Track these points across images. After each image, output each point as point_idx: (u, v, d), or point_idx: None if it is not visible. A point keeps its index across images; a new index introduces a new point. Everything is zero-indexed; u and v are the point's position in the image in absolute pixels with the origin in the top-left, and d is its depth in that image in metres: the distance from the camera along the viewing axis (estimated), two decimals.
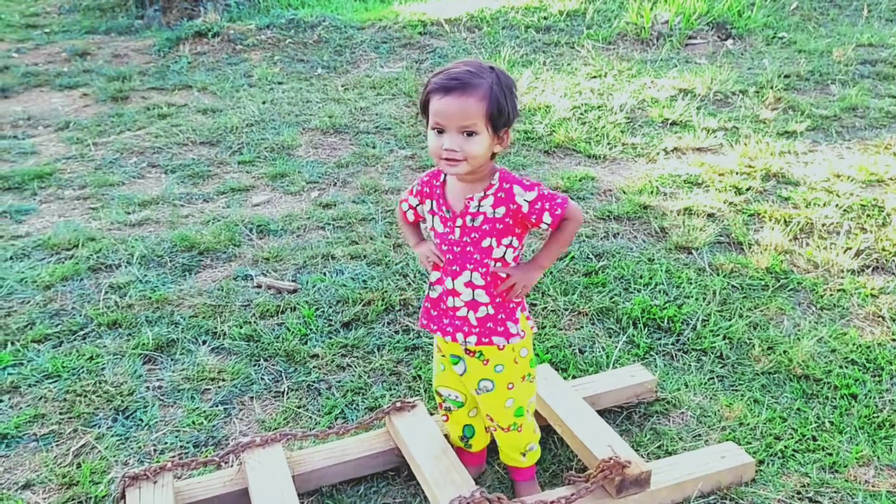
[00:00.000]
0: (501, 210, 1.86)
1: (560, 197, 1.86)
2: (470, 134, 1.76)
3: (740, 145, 4.67)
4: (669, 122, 5.16)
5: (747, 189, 4.10)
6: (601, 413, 2.50)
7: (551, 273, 3.30)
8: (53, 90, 6.33)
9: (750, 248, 3.50)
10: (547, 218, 1.85)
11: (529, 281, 1.93)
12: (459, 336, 1.95)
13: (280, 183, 4.38)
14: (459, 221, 1.89)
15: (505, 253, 1.91)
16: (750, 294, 3.17)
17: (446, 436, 2.24)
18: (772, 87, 5.63)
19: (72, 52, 7.17)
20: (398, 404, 2.33)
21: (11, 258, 3.54)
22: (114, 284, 3.27)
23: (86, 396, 2.60)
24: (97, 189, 4.37)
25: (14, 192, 4.35)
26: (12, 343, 2.87)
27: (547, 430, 2.38)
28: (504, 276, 1.91)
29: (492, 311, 1.93)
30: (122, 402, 2.58)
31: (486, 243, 1.89)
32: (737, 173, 4.29)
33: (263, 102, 5.72)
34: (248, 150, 4.84)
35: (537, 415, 2.36)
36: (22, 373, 2.71)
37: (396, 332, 2.95)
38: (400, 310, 3.07)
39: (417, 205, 2.03)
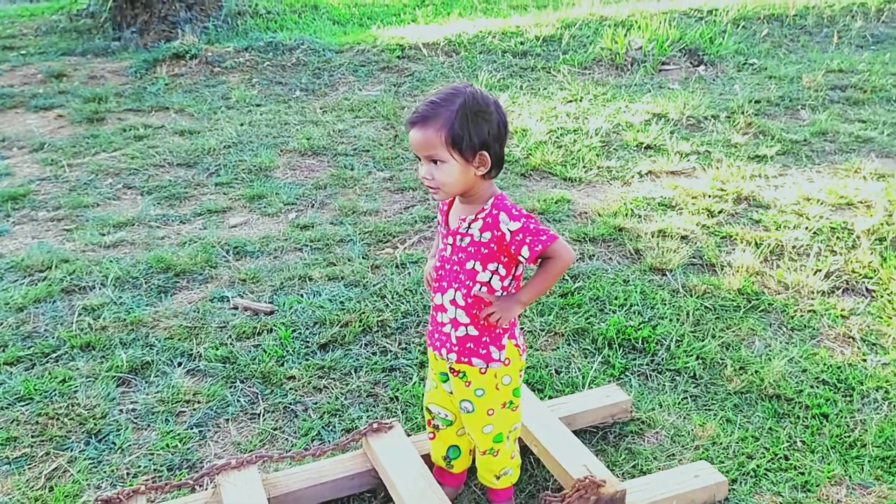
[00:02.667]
0: (487, 235, 1.89)
1: (547, 234, 1.85)
2: (436, 162, 1.84)
3: (712, 169, 4.74)
4: (644, 145, 5.23)
5: (719, 212, 4.16)
6: (577, 433, 2.51)
7: None
8: (29, 111, 6.29)
9: (722, 269, 3.56)
10: (525, 252, 1.85)
11: (507, 313, 1.92)
12: (443, 351, 2.00)
13: (257, 204, 4.38)
14: (450, 239, 1.96)
15: (491, 279, 1.92)
16: (722, 315, 3.21)
17: (425, 456, 2.24)
18: (743, 113, 5.73)
19: (48, 74, 7.14)
20: (375, 426, 2.33)
21: None
22: (87, 306, 3.25)
23: (58, 419, 2.57)
24: (71, 210, 4.34)
25: None
26: None
27: (524, 451, 2.39)
28: (488, 301, 1.93)
29: (474, 333, 1.95)
30: (95, 424, 2.55)
31: (469, 265, 1.92)
32: (709, 196, 4.36)
33: (241, 124, 5.73)
34: (225, 172, 4.84)
35: None
36: None
37: (374, 354, 2.95)
38: (377, 331, 3.07)
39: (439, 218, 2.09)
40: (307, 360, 2.91)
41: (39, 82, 7.00)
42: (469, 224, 1.91)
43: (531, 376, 2.81)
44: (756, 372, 2.81)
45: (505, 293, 1.94)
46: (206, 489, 2.20)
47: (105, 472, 2.36)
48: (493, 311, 1.92)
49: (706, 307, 3.26)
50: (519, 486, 2.31)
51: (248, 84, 6.77)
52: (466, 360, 1.96)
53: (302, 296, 3.34)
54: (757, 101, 6.03)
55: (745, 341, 3.04)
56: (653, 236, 3.89)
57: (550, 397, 2.69)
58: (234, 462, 2.18)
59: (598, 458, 2.42)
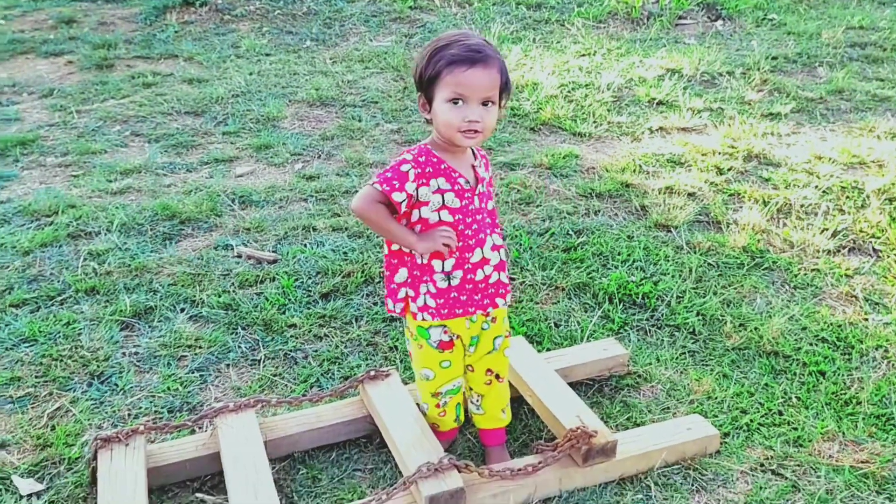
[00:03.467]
0: (490, 173, 2.04)
1: None
2: (489, 105, 1.83)
3: (724, 126, 4.68)
4: (656, 101, 5.16)
5: (729, 169, 4.12)
6: (573, 385, 2.53)
7: (530, 248, 3.32)
8: (39, 57, 6.27)
9: (728, 227, 3.53)
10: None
11: None
12: (500, 301, 2.03)
13: (264, 154, 4.37)
14: (478, 190, 1.95)
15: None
16: (725, 272, 3.20)
17: (419, 405, 2.26)
18: (758, 69, 5.64)
19: (58, 20, 7.09)
20: (372, 373, 2.36)
21: None
22: (93, 251, 3.27)
23: (62, 361, 2.61)
24: (79, 157, 4.35)
25: None
26: None
27: (520, 401, 2.41)
28: None
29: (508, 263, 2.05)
30: (98, 367, 2.59)
31: (492, 205, 2.02)
32: (719, 153, 4.31)
33: (250, 74, 5.69)
34: (233, 121, 4.83)
35: (510, 385, 2.40)
36: None
37: (375, 304, 2.97)
38: (379, 282, 3.08)
39: (414, 188, 1.87)
40: (308, 308, 2.93)
41: (50, 28, 6.96)
42: (481, 169, 1.99)
43: (530, 329, 2.83)
44: (755, 329, 2.81)
45: None
46: (205, 430, 2.23)
47: (106, 412, 2.40)
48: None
49: (709, 264, 3.25)
50: (513, 436, 2.34)
51: (259, 33, 6.71)
52: (510, 296, 2.07)
53: (305, 245, 3.35)
54: (774, 58, 5.92)
55: (747, 299, 3.03)
56: (660, 193, 3.86)
57: (549, 350, 2.71)
58: (233, 405, 2.22)
59: (593, 410, 2.44)
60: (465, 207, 1.93)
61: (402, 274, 2.00)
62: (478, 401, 2.19)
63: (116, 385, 2.52)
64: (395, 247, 1.98)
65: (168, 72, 5.82)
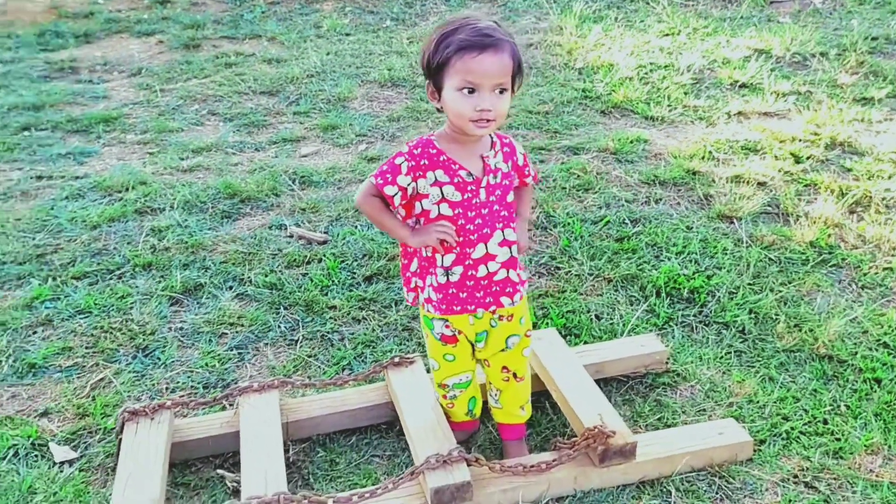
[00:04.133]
0: (509, 164, 1.94)
1: None
2: (502, 91, 1.77)
3: (810, 111, 4.42)
4: (738, 84, 4.93)
5: (807, 157, 3.89)
6: (607, 381, 2.47)
7: (581, 237, 3.24)
8: (132, 36, 6.54)
9: (797, 220, 3.34)
10: (532, 170, 2.04)
11: (526, 236, 2.07)
12: (505, 300, 1.95)
13: (330, 135, 4.43)
14: (484, 181, 1.87)
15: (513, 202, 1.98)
16: (787, 268, 3.03)
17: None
18: (855, 50, 5.28)
19: (153, 0, 7.37)
20: (396, 359, 2.36)
21: (67, 198, 3.71)
22: (155, 228, 3.40)
23: (111, 333, 2.73)
24: (157, 135, 4.52)
25: (81, 135, 4.55)
26: (53, 279, 3.03)
27: (546, 394, 2.36)
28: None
29: (521, 260, 2.00)
30: (144, 340, 2.70)
31: (509, 198, 1.94)
32: (799, 140, 4.07)
33: (327, 53, 5.77)
34: (304, 101, 4.90)
35: (536, 379, 2.36)
36: (57, 307, 2.86)
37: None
38: None
39: (409, 181, 1.84)
40: (350, 290, 2.95)
41: (145, 8, 7.25)
42: (494, 160, 1.89)
43: (570, 320, 2.76)
44: (810, 330, 2.65)
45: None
46: (231, 408, 2.29)
47: (146, 385, 2.50)
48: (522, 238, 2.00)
49: (770, 259, 3.08)
50: (536, 430, 2.30)
51: (341, 12, 6.78)
52: (520, 296, 1.98)
53: (356, 227, 3.37)
54: (874, 38, 5.54)
55: (807, 297, 2.86)
56: (727, 181, 3.68)
57: (585, 343, 2.64)
58: (257, 385, 2.26)
59: (625, 407, 2.38)
60: (466, 201, 1.86)
61: (414, 264, 1.98)
62: (496, 395, 2.15)
63: (158, 359, 2.62)
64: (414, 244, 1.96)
65: (250, 52, 5.97)
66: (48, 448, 2.24)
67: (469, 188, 1.86)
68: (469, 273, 1.91)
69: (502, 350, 2.05)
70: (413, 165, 1.84)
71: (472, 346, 2.06)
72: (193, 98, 5.06)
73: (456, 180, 1.85)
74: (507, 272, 1.94)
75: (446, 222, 1.86)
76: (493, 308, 1.96)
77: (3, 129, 4.57)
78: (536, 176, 2.07)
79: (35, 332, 2.75)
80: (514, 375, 2.10)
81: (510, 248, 1.93)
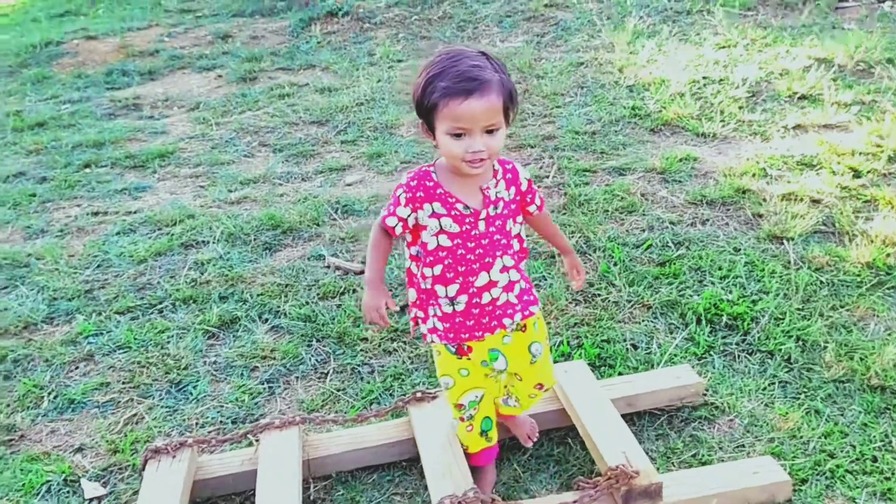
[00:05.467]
0: (512, 191, 1.90)
1: None
2: (492, 131, 1.74)
3: (872, 122, 4.21)
4: (797, 96, 4.74)
5: (867, 171, 3.70)
6: (640, 415, 2.38)
7: (621, 261, 3.14)
8: (193, 72, 6.75)
9: (853, 239, 3.16)
10: (537, 199, 1.97)
11: (579, 262, 2.14)
12: (507, 321, 1.94)
13: (375, 163, 4.45)
14: (483, 214, 1.84)
15: (520, 230, 1.95)
16: (839, 291, 2.87)
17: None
18: None
19: (215, 35, 7.61)
20: (418, 394, 2.32)
21: (119, 233, 3.83)
22: (198, 261, 3.46)
23: (148, 368, 2.78)
24: (209, 167, 4.63)
25: (138, 170, 4.70)
26: (98, 314, 3.12)
27: (574, 432, 2.28)
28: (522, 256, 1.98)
29: (524, 285, 1.96)
30: (178, 375, 2.73)
31: (508, 226, 1.91)
32: (860, 154, 3.88)
33: (378, 81, 5.82)
34: (352, 130, 4.95)
35: (563, 413, 2.29)
36: (99, 342, 2.94)
37: None
38: None
39: (408, 212, 1.84)
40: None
41: (207, 44, 7.48)
42: (495, 189, 1.86)
43: (605, 350, 2.67)
44: (862, 359, 2.50)
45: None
46: (252, 445, 2.29)
47: (176, 420, 2.53)
48: (574, 270, 2.11)
49: (822, 282, 2.92)
50: (563, 468, 2.22)
51: (394, 39, 6.84)
52: (528, 312, 1.96)
53: (393, 257, 3.36)
54: None
55: (860, 323, 2.70)
56: (780, 200, 3.53)
57: (620, 374, 2.54)
58: (278, 422, 2.26)
59: (657, 443, 2.29)
60: (465, 232, 1.83)
61: (412, 294, 1.96)
62: (515, 403, 2.15)
63: (190, 394, 2.65)
64: (406, 264, 1.95)
65: (304, 82, 6.07)
66: (79, 484, 2.29)
67: (467, 220, 1.83)
68: (474, 301, 1.89)
69: (531, 362, 2.02)
70: (410, 197, 1.83)
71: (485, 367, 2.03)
72: (246, 130, 5.17)
73: (453, 213, 1.82)
74: (507, 295, 1.92)
75: (381, 314, 1.87)
76: (497, 331, 1.93)
77: (66, 167, 4.75)
78: (542, 205, 1.99)
79: (77, 368, 2.83)
80: (541, 387, 2.10)
81: (509, 273, 1.90)
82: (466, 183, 1.83)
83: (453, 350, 1.99)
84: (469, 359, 2.01)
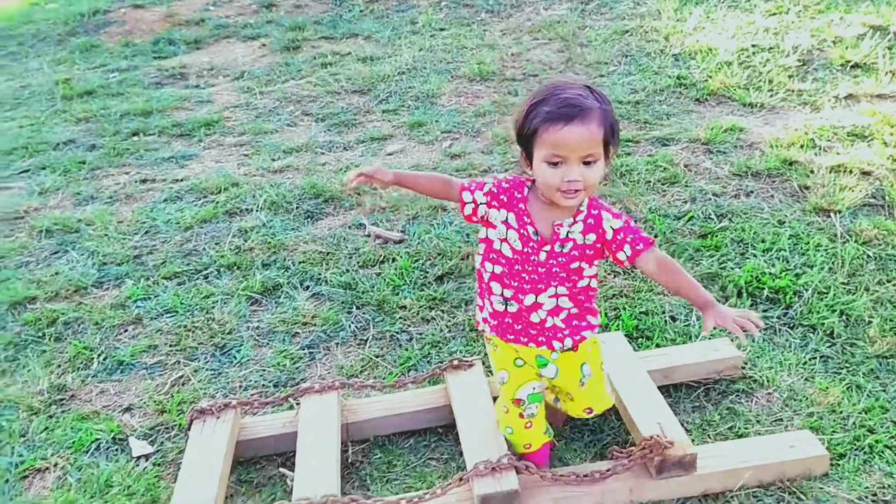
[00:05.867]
0: (592, 237, 1.84)
1: (648, 238, 1.84)
2: (590, 163, 1.73)
3: None
4: (850, 64, 4.60)
5: None
6: (677, 387, 2.37)
7: (663, 233, 3.12)
8: (238, 41, 6.79)
9: None
10: (627, 249, 1.82)
11: (727, 312, 1.82)
12: (556, 344, 1.93)
13: (416, 132, 4.45)
14: (547, 247, 1.85)
15: (595, 273, 1.90)
16: (886, 265, 2.81)
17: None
18: None
19: (260, 4, 7.62)
20: (455, 362, 2.35)
21: (166, 200, 3.91)
22: (242, 228, 3.53)
23: (194, 332, 2.85)
24: (253, 136, 4.68)
25: (184, 139, 4.77)
26: (146, 279, 3.20)
27: None
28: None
29: (574, 311, 1.92)
30: (223, 339, 2.80)
31: (575, 265, 1.86)
32: None
33: (420, 50, 5.80)
34: (394, 99, 4.95)
35: None
36: (147, 306, 3.02)
37: None
38: None
39: (484, 203, 1.87)
40: (422, 290, 2.96)
41: (252, 13, 7.50)
42: (568, 229, 1.84)
43: (643, 322, 2.66)
44: None
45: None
46: (293, 409, 2.35)
47: (221, 383, 2.60)
48: (732, 324, 1.78)
49: (869, 256, 2.87)
50: (597, 437, 2.25)
51: (437, 7, 6.79)
52: (579, 337, 1.93)
53: (433, 226, 3.38)
54: None
55: None
56: (829, 171, 3.45)
57: (658, 346, 2.54)
58: (318, 387, 2.31)
59: (694, 415, 2.29)
60: (525, 254, 1.85)
61: (476, 286, 1.98)
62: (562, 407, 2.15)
63: (234, 357, 2.71)
64: (476, 261, 1.96)
65: (347, 51, 6.07)
66: (127, 442, 2.37)
67: (531, 244, 1.84)
68: (523, 314, 1.91)
69: (580, 382, 2.00)
70: (495, 193, 1.86)
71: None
72: (289, 99, 5.21)
73: (522, 231, 1.84)
74: (554, 319, 1.90)
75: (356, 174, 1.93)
76: (543, 347, 1.94)
77: (115, 135, 4.85)
78: (636, 255, 1.81)
79: (125, 331, 2.91)
80: (591, 411, 2.08)
81: (558, 300, 1.89)
82: (545, 211, 1.83)
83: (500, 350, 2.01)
84: (521, 358, 2.01)
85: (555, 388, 2.09)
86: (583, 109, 1.69)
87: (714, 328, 1.80)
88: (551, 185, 1.73)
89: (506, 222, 1.86)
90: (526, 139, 1.76)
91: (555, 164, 1.72)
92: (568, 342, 1.92)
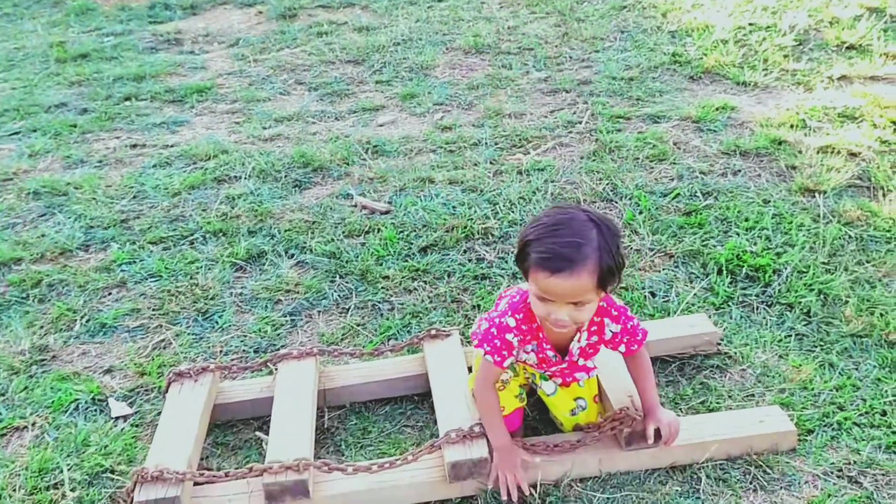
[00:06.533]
0: (595, 339, 1.97)
1: (642, 332, 1.96)
2: (578, 304, 1.75)
3: None
4: (845, 45, 4.58)
5: None
6: (653, 361, 2.37)
7: (648, 210, 3.13)
8: (235, 7, 6.74)
9: (887, 194, 3.10)
10: (622, 349, 1.97)
11: (664, 418, 1.96)
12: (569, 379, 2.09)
13: (408, 104, 4.44)
14: (565, 364, 1.99)
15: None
16: (867, 246, 2.83)
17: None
18: None
19: None
20: (433, 332, 2.37)
21: (155, 165, 3.91)
22: (230, 195, 3.53)
23: (177, 296, 2.87)
24: (245, 104, 4.66)
25: (176, 105, 4.76)
26: (132, 243, 3.21)
27: None
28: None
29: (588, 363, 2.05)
30: (205, 304, 2.82)
31: (589, 363, 2.02)
32: None
33: (416, 20, 5.76)
34: (387, 70, 4.93)
35: None
36: (132, 270, 3.03)
37: (469, 261, 2.95)
38: (479, 238, 3.06)
39: (513, 355, 1.95)
40: (405, 261, 2.97)
41: None
42: (579, 342, 1.95)
43: (623, 297, 2.68)
44: (882, 314, 2.47)
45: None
46: (272, 374, 2.37)
47: (202, 347, 2.62)
48: (665, 428, 1.94)
49: (850, 236, 2.88)
50: None
51: None
52: (572, 378, 2.06)
53: (419, 198, 3.38)
54: None
55: (885, 279, 2.66)
56: (816, 152, 3.45)
57: None
58: (296, 353, 2.33)
59: (667, 389, 2.32)
60: (551, 363, 2.00)
61: (483, 325, 2.01)
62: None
63: (216, 322, 2.73)
64: (503, 304, 2.03)
65: (343, 20, 6.04)
66: (107, 403, 2.40)
67: (552, 361, 1.99)
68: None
69: (572, 413, 2.08)
70: (521, 340, 1.93)
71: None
72: (283, 68, 5.18)
73: (541, 356, 1.98)
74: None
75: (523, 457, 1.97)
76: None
77: (107, 99, 4.83)
78: (631, 353, 1.98)
79: (109, 294, 2.93)
80: (579, 428, 2.12)
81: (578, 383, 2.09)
82: (558, 332, 1.89)
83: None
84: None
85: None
86: (572, 263, 1.67)
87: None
88: (541, 316, 1.83)
89: (532, 350, 1.97)
90: (520, 264, 1.81)
91: (544, 301, 1.76)
92: (559, 381, 2.08)
